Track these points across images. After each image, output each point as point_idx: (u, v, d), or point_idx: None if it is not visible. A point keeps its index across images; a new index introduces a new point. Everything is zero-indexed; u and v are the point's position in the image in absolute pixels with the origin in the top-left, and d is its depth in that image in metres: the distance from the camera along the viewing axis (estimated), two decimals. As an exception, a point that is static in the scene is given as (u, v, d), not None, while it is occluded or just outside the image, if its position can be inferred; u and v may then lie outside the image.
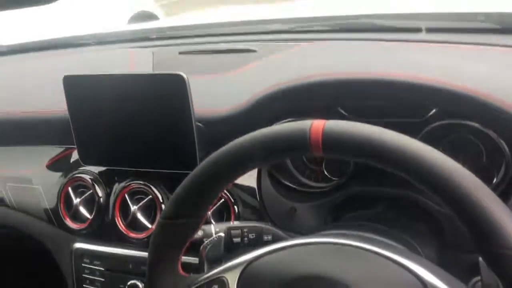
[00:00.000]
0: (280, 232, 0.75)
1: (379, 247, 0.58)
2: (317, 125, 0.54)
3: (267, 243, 0.74)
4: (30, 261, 1.31)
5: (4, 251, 1.42)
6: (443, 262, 0.78)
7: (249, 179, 0.89)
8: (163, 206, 0.91)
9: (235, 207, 0.88)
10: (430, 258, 0.75)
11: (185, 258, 0.66)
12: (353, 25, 1.10)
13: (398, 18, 1.09)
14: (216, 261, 0.68)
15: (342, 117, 0.83)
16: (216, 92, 0.98)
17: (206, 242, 0.69)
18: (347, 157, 0.57)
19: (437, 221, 0.80)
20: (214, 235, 0.71)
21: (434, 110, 0.78)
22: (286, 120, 0.85)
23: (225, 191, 0.88)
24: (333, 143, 0.53)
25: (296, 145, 0.55)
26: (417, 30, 0.97)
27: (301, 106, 0.86)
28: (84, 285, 0.98)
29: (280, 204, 0.87)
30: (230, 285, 0.60)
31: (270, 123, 0.86)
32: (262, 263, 0.60)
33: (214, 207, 0.88)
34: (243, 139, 0.57)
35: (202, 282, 0.61)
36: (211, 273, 0.62)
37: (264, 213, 0.87)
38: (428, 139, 0.81)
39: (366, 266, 0.56)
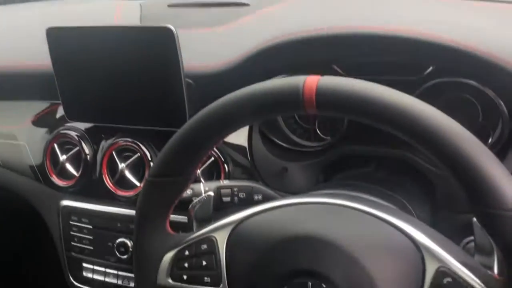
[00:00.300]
0: (270, 192, 0.73)
1: (370, 206, 0.56)
2: (311, 81, 0.52)
3: (258, 202, 0.72)
4: (17, 220, 1.29)
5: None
6: (435, 223, 0.78)
7: (239, 137, 0.87)
8: (151, 164, 0.89)
9: (225, 166, 0.86)
10: (422, 219, 0.74)
11: (173, 217, 0.65)
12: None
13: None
14: (205, 221, 0.66)
15: (337, 75, 0.80)
16: (206, 47, 0.94)
17: (195, 201, 0.68)
18: (342, 115, 0.55)
19: (429, 181, 0.79)
20: (203, 194, 0.69)
21: (431, 68, 0.76)
22: (279, 77, 0.82)
23: (215, 149, 0.86)
24: (328, 100, 0.51)
25: (288, 102, 0.52)
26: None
27: (294, 63, 0.83)
28: (72, 243, 0.97)
29: (271, 164, 0.86)
30: (219, 245, 0.59)
31: (262, 80, 0.83)
32: (252, 223, 0.59)
33: (204, 166, 0.86)
34: (233, 95, 0.55)
35: (191, 242, 0.60)
36: (200, 232, 0.60)
37: (255, 172, 0.85)
38: (425, 97, 0.78)
39: (357, 226, 0.55)
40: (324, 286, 0.52)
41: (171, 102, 0.84)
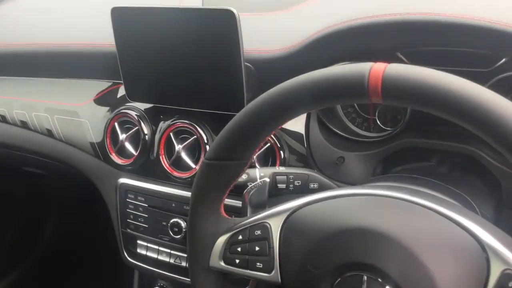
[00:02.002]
0: (327, 181, 0.72)
1: (433, 202, 0.54)
2: (377, 69, 0.49)
3: (313, 191, 0.72)
4: (78, 195, 1.34)
5: (53, 184, 1.46)
6: (499, 223, 0.74)
7: (297, 124, 0.86)
8: (207, 147, 0.89)
9: (281, 152, 0.85)
10: (486, 218, 0.71)
11: (227, 201, 0.65)
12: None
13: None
14: (259, 206, 0.66)
15: (401, 63, 0.77)
16: (267, 32, 0.93)
17: (250, 186, 0.67)
18: (409, 105, 0.53)
19: (495, 178, 0.75)
20: (258, 180, 0.69)
21: (504, 59, 0.72)
22: (341, 64, 0.80)
23: (272, 135, 0.85)
24: (395, 89, 0.49)
25: (353, 89, 0.50)
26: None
27: (357, 50, 0.80)
28: (128, 220, 0.99)
29: (328, 152, 0.84)
30: (273, 231, 0.58)
31: (323, 66, 0.81)
32: (307, 212, 0.58)
33: (260, 151, 0.86)
34: (295, 81, 0.53)
35: (245, 226, 0.60)
36: (254, 217, 0.60)
37: (311, 160, 0.84)
38: (495, 91, 0.75)
39: (419, 221, 0.53)
40: (380, 280, 0.51)
41: (229, 86, 0.84)
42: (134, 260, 1.01)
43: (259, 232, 0.59)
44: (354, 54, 0.80)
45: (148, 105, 0.97)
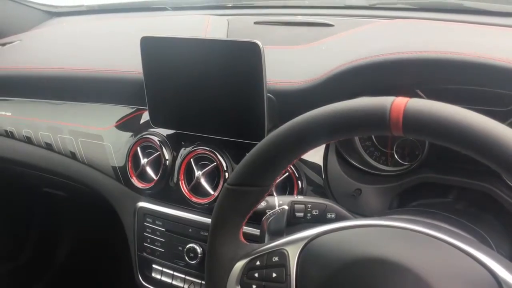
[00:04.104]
0: (344, 211, 0.73)
1: (449, 236, 0.55)
2: (399, 102, 0.51)
3: (330, 221, 0.73)
4: (96, 217, 1.36)
5: (71, 206, 1.49)
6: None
7: (315, 155, 0.87)
8: (226, 174, 0.91)
9: (299, 182, 0.87)
10: (502, 255, 0.71)
11: (246, 228, 0.66)
12: (438, 4, 1.04)
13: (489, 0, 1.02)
14: (277, 234, 0.67)
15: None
16: (290, 65, 0.96)
17: (269, 213, 0.69)
18: (429, 139, 0.54)
19: (511, 216, 0.75)
20: (277, 207, 0.70)
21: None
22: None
23: (290, 165, 0.86)
24: (416, 123, 0.50)
25: (374, 121, 0.52)
26: (509, 14, 0.91)
27: (378, 85, 0.82)
28: (144, 244, 1.01)
29: (345, 184, 0.85)
30: (290, 259, 0.59)
31: (344, 100, 0.83)
32: (325, 240, 0.59)
33: (278, 180, 0.87)
34: (317, 111, 0.55)
35: (263, 252, 0.61)
36: (272, 244, 0.61)
37: (328, 191, 0.85)
38: None
39: (435, 254, 0.54)
40: None
41: (251, 115, 0.86)
42: (148, 284, 1.02)
43: (276, 258, 0.60)
44: (374, 89, 0.82)
45: (170, 131, 1.00)
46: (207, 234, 0.65)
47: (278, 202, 0.71)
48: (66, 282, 1.60)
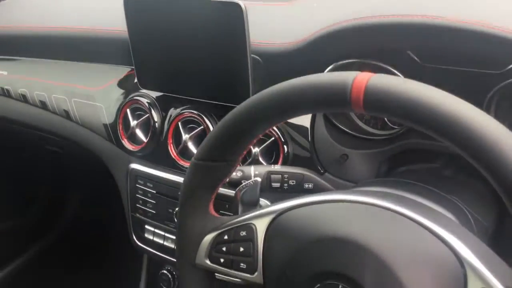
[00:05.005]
0: (322, 181, 0.71)
1: (416, 213, 0.52)
2: (360, 79, 0.48)
3: (308, 191, 0.71)
4: (93, 178, 1.37)
5: (73, 166, 1.50)
6: (502, 232, 0.72)
7: (303, 119, 0.85)
8: None
9: (285, 147, 0.85)
10: (485, 227, 0.69)
11: (223, 191, 0.64)
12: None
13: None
14: (250, 205, 0.66)
15: (412, 62, 0.75)
16: (279, 23, 0.92)
17: (242, 184, 0.68)
18: (390, 118, 0.51)
19: None
20: (253, 178, 0.69)
21: (514, 64, 0.69)
22: (346, 61, 0.79)
23: (275, 129, 0.85)
24: (376, 101, 0.48)
25: (335, 98, 0.49)
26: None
27: (366, 48, 0.78)
28: (137, 205, 1.01)
29: (332, 149, 0.83)
30: (258, 233, 0.58)
31: (332, 62, 0.80)
32: (292, 216, 0.57)
33: (263, 145, 0.86)
34: (280, 86, 0.53)
35: (231, 226, 0.60)
36: (241, 218, 0.60)
37: (314, 156, 0.83)
38: (504, 95, 0.72)
39: (399, 233, 0.52)
40: None
41: (236, 78, 0.84)
42: (142, 244, 1.03)
43: (244, 233, 0.59)
44: (363, 52, 0.79)
45: (159, 94, 0.98)
46: None
47: (254, 172, 0.70)
48: (70, 240, 1.65)
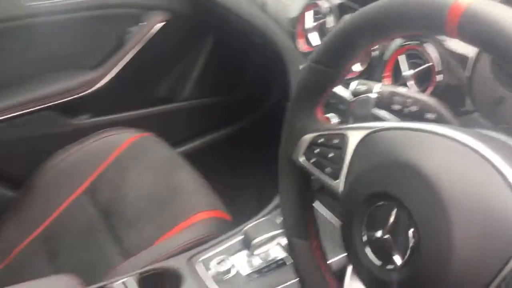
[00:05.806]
0: (447, 114, 0.66)
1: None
2: (459, 3, 0.44)
3: (428, 121, 0.68)
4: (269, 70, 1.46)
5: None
6: None
7: (467, 48, 0.78)
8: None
9: (437, 76, 0.80)
10: None
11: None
12: None
13: None
14: (361, 119, 0.67)
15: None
16: None
17: (356, 98, 0.68)
18: (484, 50, 0.46)
19: None
20: (372, 93, 0.68)
21: None
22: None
23: (432, 55, 0.80)
24: (470, 29, 0.44)
25: (430, 21, 0.46)
26: None
27: None
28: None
29: (489, 87, 0.75)
30: (349, 144, 0.59)
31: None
32: (383, 136, 0.57)
33: (419, 69, 0.82)
34: (385, 1, 0.51)
35: (328, 132, 0.63)
36: (339, 126, 0.62)
37: (468, 92, 0.77)
38: None
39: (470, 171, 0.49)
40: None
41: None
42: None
43: (337, 140, 0.61)
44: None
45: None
46: None
47: (377, 89, 0.69)
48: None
